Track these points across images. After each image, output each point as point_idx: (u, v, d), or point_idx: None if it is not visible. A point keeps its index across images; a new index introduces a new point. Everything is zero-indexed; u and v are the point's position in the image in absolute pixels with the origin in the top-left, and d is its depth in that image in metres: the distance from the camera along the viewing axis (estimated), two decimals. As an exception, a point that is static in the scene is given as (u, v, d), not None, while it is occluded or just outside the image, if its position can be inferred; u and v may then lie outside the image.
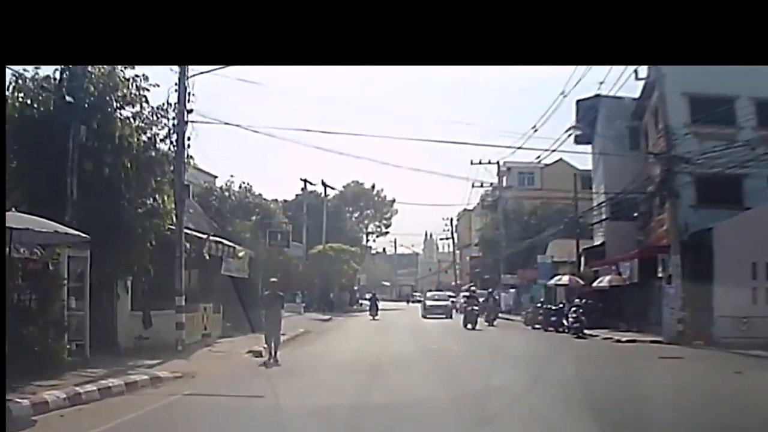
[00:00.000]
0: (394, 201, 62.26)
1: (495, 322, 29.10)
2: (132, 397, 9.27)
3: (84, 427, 7.44)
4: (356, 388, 9.63)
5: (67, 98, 13.43)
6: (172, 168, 15.31)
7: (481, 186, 50.01)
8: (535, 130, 30.68)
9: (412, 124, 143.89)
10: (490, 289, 32.69)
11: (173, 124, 15.32)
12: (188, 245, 15.70)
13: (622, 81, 42.00)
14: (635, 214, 26.03)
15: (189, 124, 15.42)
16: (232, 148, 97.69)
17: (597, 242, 30.99)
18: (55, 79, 13.60)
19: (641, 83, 25.22)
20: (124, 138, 13.99)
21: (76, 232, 10.56)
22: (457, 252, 71.35)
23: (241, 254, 19.38)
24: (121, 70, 14.08)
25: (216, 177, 28.18)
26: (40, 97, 13.38)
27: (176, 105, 15.24)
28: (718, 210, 21.52)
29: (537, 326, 26.49)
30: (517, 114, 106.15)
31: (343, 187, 59.12)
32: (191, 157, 15.57)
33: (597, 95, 29.29)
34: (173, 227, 15.22)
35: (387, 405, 8.67)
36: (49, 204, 12.16)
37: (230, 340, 16.96)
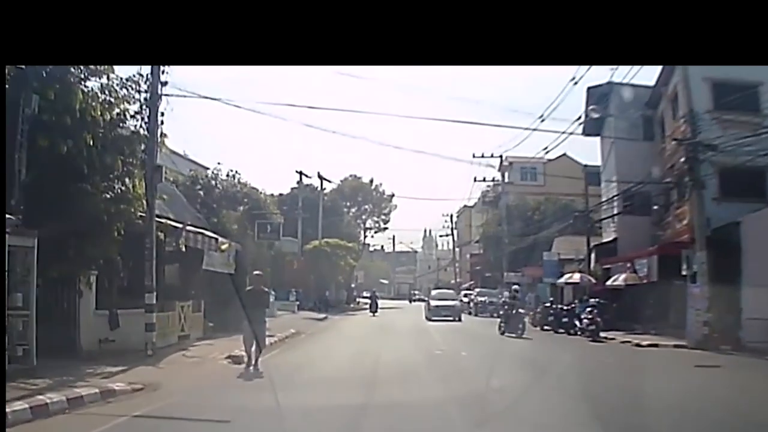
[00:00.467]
0: (392, 196, 60.49)
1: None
2: (70, 418, 7.52)
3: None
4: (345, 412, 7.74)
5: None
6: (143, 148, 13.53)
7: (484, 180, 48.58)
8: (543, 120, 28.95)
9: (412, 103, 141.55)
10: (515, 287, 24.59)
11: (145, 98, 13.54)
12: (162, 235, 13.92)
13: (636, 67, 39.96)
14: (655, 207, 24.24)
15: (163, 98, 13.64)
16: (227, 139, 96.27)
17: (608, 238, 29.18)
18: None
19: (655, 71, 23.72)
20: (86, 112, 12.26)
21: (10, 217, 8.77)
22: (457, 249, 69.82)
23: (224, 247, 17.59)
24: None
25: (208, 169, 26.35)
26: (-14, 62, 11.60)
27: (148, 76, 13.47)
28: (742, 203, 20.03)
29: (546, 327, 24.69)
30: (523, 100, 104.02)
31: (341, 181, 57.43)
32: (165, 135, 13.79)
33: (609, 82, 27.57)
34: (145, 215, 13.46)
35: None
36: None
37: (210, 342, 15.12)
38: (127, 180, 13.50)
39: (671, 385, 10.46)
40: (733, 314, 17.81)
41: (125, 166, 13.34)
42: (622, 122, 28.02)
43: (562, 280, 29.33)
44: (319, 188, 47.23)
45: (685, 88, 20.77)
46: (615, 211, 27.81)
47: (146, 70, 13.73)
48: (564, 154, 44.98)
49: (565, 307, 23.89)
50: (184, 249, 14.82)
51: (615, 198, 27.11)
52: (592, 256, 28.81)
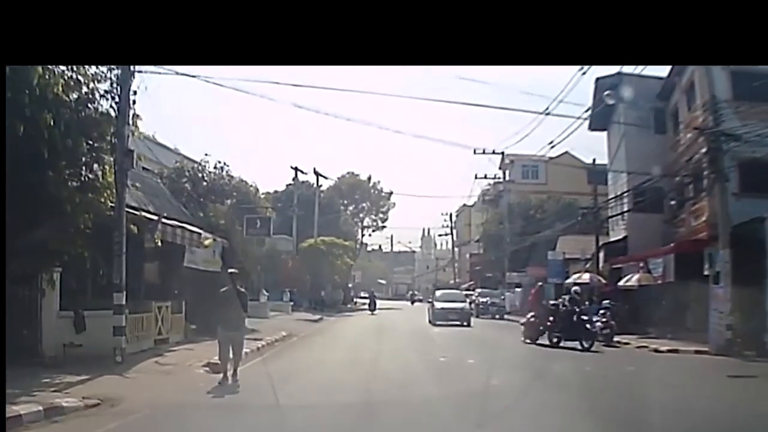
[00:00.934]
0: (391, 193, 58.94)
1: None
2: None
3: None
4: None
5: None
6: (114, 131, 12.15)
7: (485, 178, 47.35)
8: (548, 114, 27.62)
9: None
10: (575, 288, 19.87)
11: (117, 75, 12.17)
12: (135, 229, 12.53)
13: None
14: (673, 201, 22.88)
15: (136, 74, 12.26)
16: (218, 133, 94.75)
17: (617, 237, 27.81)
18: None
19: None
20: (47, 89, 10.88)
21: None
22: (456, 249, 68.54)
23: (207, 242, 16.18)
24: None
25: (195, 162, 24.85)
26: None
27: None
28: (765, 199, 18.70)
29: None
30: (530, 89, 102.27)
31: (338, 178, 55.97)
32: (138, 116, 12.38)
33: (619, 73, 26.29)
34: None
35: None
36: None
37: (190, 347, 13.69)
38: (95, 166, 12.14)
39: (713, 403, 9.10)
40: (757, 317, 16.51)
41: (93, 151, 11.98)
42: (632, 115, 26.75)
43: (570, 280, 27.93)
44: (315, 185, 45.88)
45: (705, 76, 19.51)
46: (623, 209, 26.47)
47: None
48: (566, 152, 43.85)
49: (576, 309, 22.32)
50: (159, 244, 13.42)
51: (625, 194, 25.75)
52: (601, 255, 27.41)
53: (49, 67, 11.28)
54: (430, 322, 28.90)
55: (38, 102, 10.73)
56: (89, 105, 12.04)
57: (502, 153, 46.58)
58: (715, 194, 17.85)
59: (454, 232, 68.43)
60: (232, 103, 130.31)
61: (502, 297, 37.93)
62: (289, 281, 36.62)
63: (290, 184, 45.66)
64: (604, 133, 31.39)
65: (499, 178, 50.00)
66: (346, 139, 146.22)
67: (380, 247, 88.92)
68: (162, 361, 12.02)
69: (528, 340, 18.77)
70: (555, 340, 17.93)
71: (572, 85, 45.63)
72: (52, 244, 11.49)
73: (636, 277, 21.66)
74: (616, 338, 18.95)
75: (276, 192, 48.15)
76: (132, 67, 12.24)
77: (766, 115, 19.16)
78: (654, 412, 7.89)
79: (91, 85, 12.05)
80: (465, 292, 38.36)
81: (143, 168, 22.50)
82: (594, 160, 30.17)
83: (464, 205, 66.43)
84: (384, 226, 60.32)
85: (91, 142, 11.89)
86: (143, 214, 13.29)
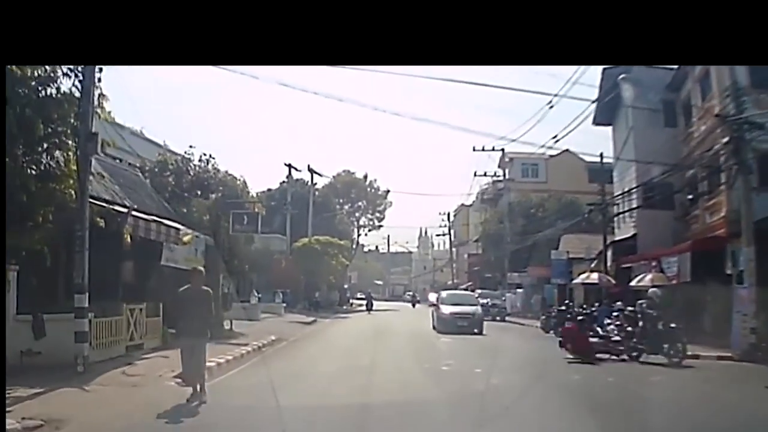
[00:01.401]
0: (388, 192, 57.49)
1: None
2: None
3: None
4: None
5: None
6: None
7: (485, 175, 46.37)
8: (551, 107, 26.42)
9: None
10: (653, 290, 16.35)
11: (81, 51, 10.85)
12: (101, 222, 11.22)
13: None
14: (690, 196, 21.63)
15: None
16: (208, 126, 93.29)
17: (625, 235, 26.53)
18: None
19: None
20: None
21: None
22: (454, 249, 67.32)
23: (187, 239, 14.85)
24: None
25: (178, 155, 23.42)
26: None
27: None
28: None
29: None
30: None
31: (333, 176, 54.61)
32: (104, 95, 11.06)
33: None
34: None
35: None
36: None
37: (165, 354, 12.30)
38: (57, 153, 10.86)
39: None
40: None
41: (54, 136, 10.70)
42: (640, 107, 25.50)
43: (577, 280, 26.66)
44: (309, 183, 44.60)
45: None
46: (631, 205, 25.20)
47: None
48: (566, 150, 42.75)
49: (585, 311, 21.04)
50: (129, 239, 12.10)
51: (633, 190, 24.47)
52: (609, 254, 26.13)
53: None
54: (434, 328, 24.68)
55: (-12, 78, 9.47)
56: (50, 84, 10.77)
57: (502, 150, 45.71)
58: (734, 188, 16.60)
59: (452, 232, 67.22)
60: (223, 95, 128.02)
61: (503, 298, 36.73)
62: (282, 282, 35.37)
63: (284, 182, 44.37)
64: (609, 129, 30.25)
65: (498, 176, 48.98)
66: (341, 134, 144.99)
67: (377, 247, 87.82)
68: (130, 371, 10.67)
69: (573, 356, 14.84)
70: (635, 353, 14.88)
71: (579, 74, 44.23)
72: (6, 239, 10.22)
73: (649, 277, 20.32)
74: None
75: (269, 190, 46.94)
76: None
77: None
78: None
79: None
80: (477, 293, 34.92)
81: (129, 164, 21.32)
82: (602, 154, 28.69)
83: (462, 204, 65.37)
84: (380, 226, 58.98)
85: (51, 126, 10.63)
86: (110, 206, 11.96)
